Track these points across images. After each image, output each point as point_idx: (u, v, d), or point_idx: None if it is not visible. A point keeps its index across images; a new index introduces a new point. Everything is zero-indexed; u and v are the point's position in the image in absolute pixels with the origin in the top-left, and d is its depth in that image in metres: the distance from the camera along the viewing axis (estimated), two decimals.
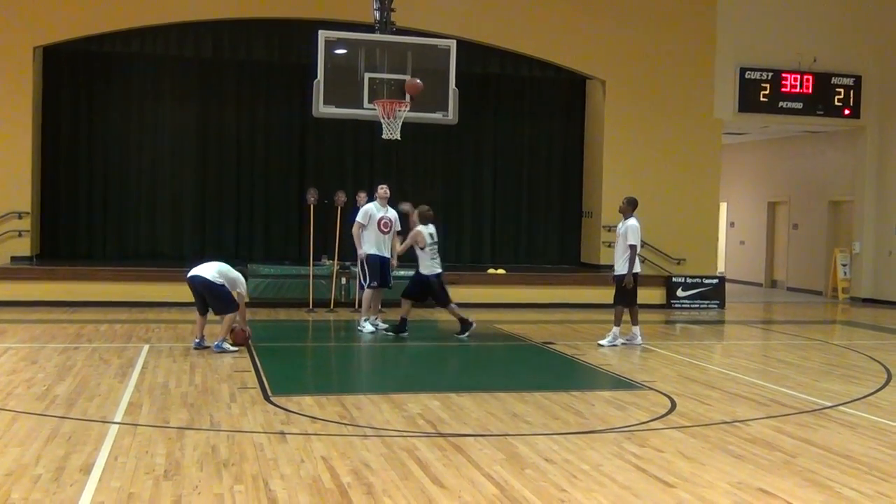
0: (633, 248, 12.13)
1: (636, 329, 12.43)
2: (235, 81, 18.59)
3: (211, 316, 11.03)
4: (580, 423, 7.63)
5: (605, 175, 18.64)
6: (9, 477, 5.76)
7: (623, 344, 12.23)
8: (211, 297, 10.77)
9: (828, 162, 21.86)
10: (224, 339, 10.80)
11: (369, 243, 12.89)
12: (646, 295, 16.87)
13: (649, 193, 18.20)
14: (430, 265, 12.63)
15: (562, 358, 11.41)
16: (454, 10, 17.60)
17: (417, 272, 12.79)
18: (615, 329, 12.26)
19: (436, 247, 12.74)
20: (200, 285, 10.78)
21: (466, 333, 12.54)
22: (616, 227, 12.80)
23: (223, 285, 10.73)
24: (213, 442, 6.71)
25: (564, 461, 6.41)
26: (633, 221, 12.28)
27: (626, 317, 12.40)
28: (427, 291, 12.74)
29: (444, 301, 12.75)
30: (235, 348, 10.84)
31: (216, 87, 18.49)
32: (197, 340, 10.91)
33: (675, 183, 18.74)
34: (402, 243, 13.04)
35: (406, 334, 12.59)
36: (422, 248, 12.56)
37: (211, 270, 10.76)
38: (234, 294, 10.80)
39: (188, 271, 11.03)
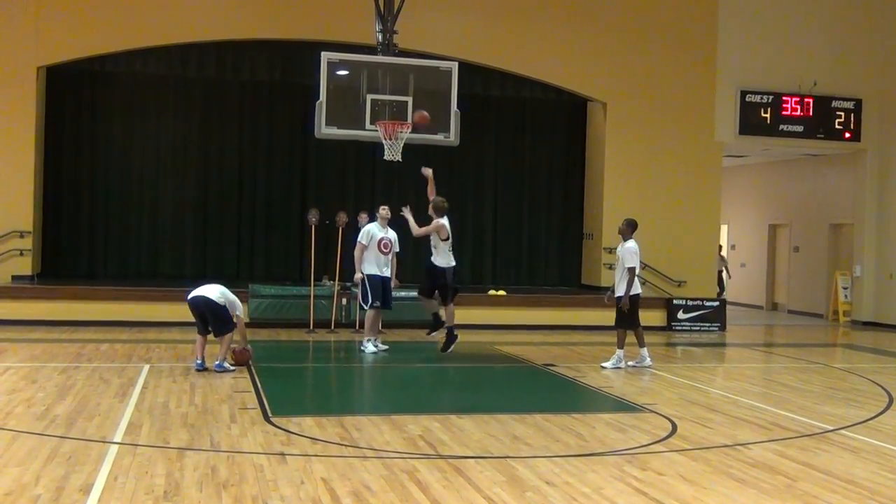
0: (631, 270, 12.13)
1: (644, 351, 12.36)
2: (238, 102, 18.67)
3: (210, 338, 11.05)
4: (581, 446, 7.61)
5: (606, 197, 18.68)
6: (8, 497, 5.74)
7: (632, 367, 12.18)
8: (213, 318, 10.84)
9: (828, 185, 21.90)
10: (224, 359, 10.87)
11: (369, 263, 12.91)
12: (647, 317, 16.78)
13: (650, 216, 18.22)
14: (447, 257, 12.39)
15: (562, 380, 11.38)
16: (456, 32, 17.70)
17: (431, 263, 12.40)
18: (618, 352, 12.22)
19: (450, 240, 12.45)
20: (203, 305, 10.85)
21: (449, 348, 12.41)
22: (616, 248, 12.79)
23: (225, 306, 10.85)
24: (213, 462, 6.69)
25: (565, 484, 6.39)
26: (631, 244, 12.25)
27: (632, 339, 12.35)
28: (437, 284, 12.42)
29: (447, 297, 12.46)
30: (234, 367, 10.89)
31: (218, 107, 18.57)
32: (199, 362, 10.89)
33: (676, 205, 18.77)
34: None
35: (435, 333, 12.62)
36: (444, 240, 12.28)
37: (214, 292, 10.89)
38: (234, 316, 10.89)
39: (189, 292, 11.10)
